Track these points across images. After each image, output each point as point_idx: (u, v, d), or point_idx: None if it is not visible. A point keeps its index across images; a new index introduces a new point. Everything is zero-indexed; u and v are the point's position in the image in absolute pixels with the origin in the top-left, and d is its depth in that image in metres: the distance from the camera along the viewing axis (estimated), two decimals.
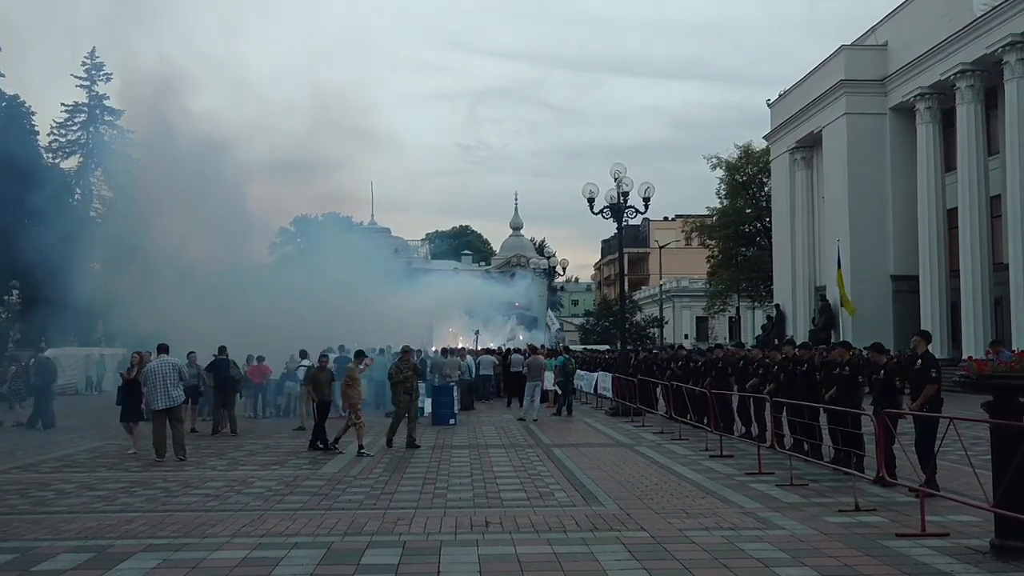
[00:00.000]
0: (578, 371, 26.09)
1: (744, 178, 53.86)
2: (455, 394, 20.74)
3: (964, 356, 28.77)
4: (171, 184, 28.43)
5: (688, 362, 19.73)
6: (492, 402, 26.97)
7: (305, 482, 11.43)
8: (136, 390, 15.15)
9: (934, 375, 10.18)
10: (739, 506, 9.37)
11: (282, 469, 12.74)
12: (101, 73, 46.49)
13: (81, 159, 47.42)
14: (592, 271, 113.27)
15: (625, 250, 29.46)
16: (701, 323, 76.24)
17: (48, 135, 46.67)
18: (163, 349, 14.67)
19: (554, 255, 67.17)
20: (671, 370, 19.66)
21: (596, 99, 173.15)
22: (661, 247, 66.55)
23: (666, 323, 71.01)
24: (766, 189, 52.31)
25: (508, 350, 31.11)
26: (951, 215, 34.35)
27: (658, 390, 20.40)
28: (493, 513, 9.12)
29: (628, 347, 26.60)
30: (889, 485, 9.85)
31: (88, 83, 47.25)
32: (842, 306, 36.68)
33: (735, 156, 53.60)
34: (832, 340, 31.78)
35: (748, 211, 53.93)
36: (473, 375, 25.86)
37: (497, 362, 28.55)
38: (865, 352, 13.06)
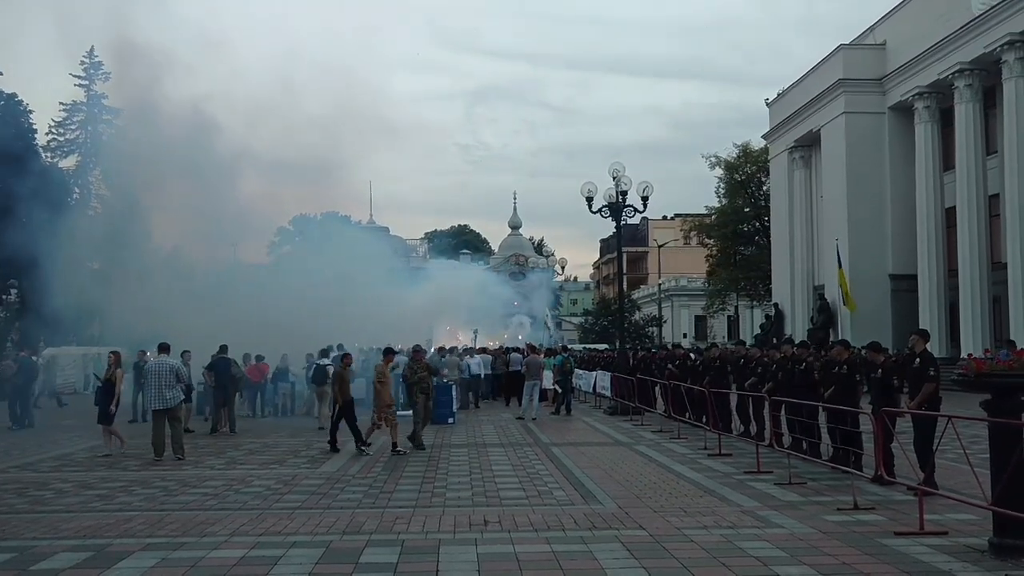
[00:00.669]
0: (576, 370, 26.03)
1: (743, 177, 53.90)
2: (454, 393, 20.73)
3: (963, 355, 28.82)
4: (171, 183, 28.41)
5: (686, 361, 19.75)
6: (491, 401, 26.91)
7: (304, 481, 11.43)
8: (111, 391, 14.55)
9: (932, 374, 10.18)
10: (738, 505, 9.37)
11: (281, 468, 12.73)
12: (100, 72, 46.48)
13: (79, 158, 47.40)
14: (591, 270, 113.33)
15: (624, 249, 29.43)
16: (700, 322, 76.24)
17: (46, 134, 46.69)
18: (163, 349, 14.62)
19: (553, 254, 67.22)
20: (669, 369, 19.67)
21: (595, 99, 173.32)
22: (660, 246, 66.53)
23: (665, 322, 71.01)
24: (765, 188, 52.36)
25: (507, 349, 31.03)
26: (949, 214, 34.37)
27: (657, 389, 20.41)
28: (492, 512, 9.12)
29: (627, 346, 26.59)
30: (887, 484, 9.84)
31: (87, 82, 47.25)
32: (843, 304, 36.68)
33: (734, 155, 53.69)
34: (831, 339, 31.82)
35: (747, 210, 53.99)
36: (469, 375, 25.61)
37: (481, 362, 26.48)
38: (863, 351, 13.06)
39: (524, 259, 62.14)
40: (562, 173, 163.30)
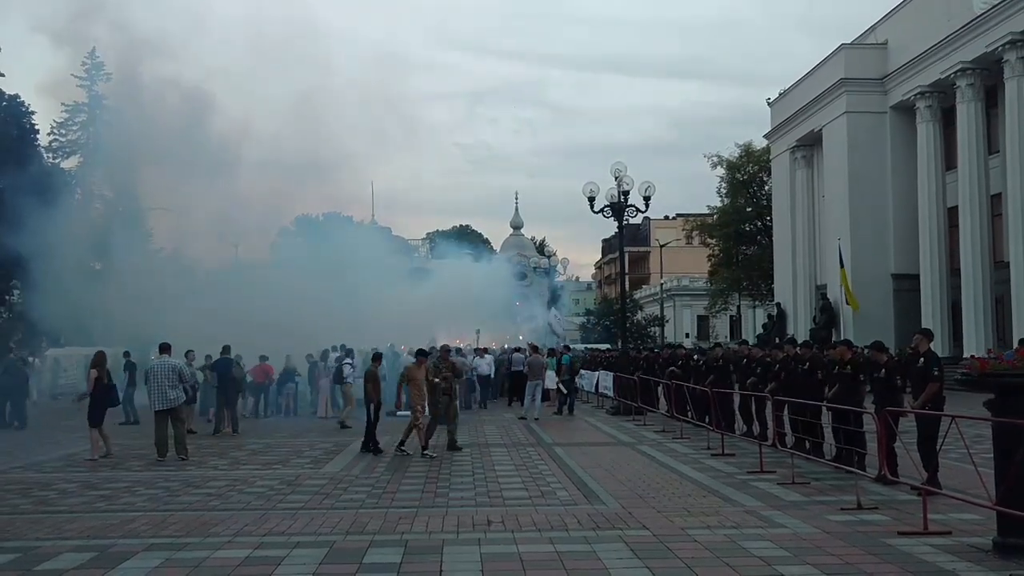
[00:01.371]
0: (580, 370, 26.03)
1: (745, 177, 53.89)
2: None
3: (965, 354, 28.78)
4: (172, 183, 28.44)
5: (688, 361, 19.75)
6: (492, 402, 26.88)
7: (307, 481, 11.43)
8: (107, 392, 14.43)
9: (936, 373, 10.18)
10: (741, 504, 9.37)
11: (284, 468, 12.74)
12: (102, 73, 46.47)
13: (81, 159, 47.40)
14: (593, 270, 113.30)
15: (626, 249, 29.45)
16: (702, 322, 76.17)
17: (48, 135, 46.68)
18: (164, 349, 14.61)
19: (554, 254, 67.22)
20: (672, 369, 19.67)
21: (596, 99, 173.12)
22: (662, 246, 66.53)
23: (667, 322, 70.97)
24: (767, 188, 52.36)
25: (510, 349, 30.97)
26: (952, 213, 34.36)
27: (659, 389, 20.40)
28: (495, 512, 9.12)
29: (629, 346, 26.57)
30: (891, 483, 9.85)
31: (88, 83, 47.24)
32: (846, 302, 36.67)
33: (736, 155, 53.68)
34: (833, 339, 31.79)
35: (749, 210, 53.95)
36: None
37: (471, 363, 24.91)
38: (866, 351, 13.06)
39: (526, 258, 62.01)
40: (563, 173, 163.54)
